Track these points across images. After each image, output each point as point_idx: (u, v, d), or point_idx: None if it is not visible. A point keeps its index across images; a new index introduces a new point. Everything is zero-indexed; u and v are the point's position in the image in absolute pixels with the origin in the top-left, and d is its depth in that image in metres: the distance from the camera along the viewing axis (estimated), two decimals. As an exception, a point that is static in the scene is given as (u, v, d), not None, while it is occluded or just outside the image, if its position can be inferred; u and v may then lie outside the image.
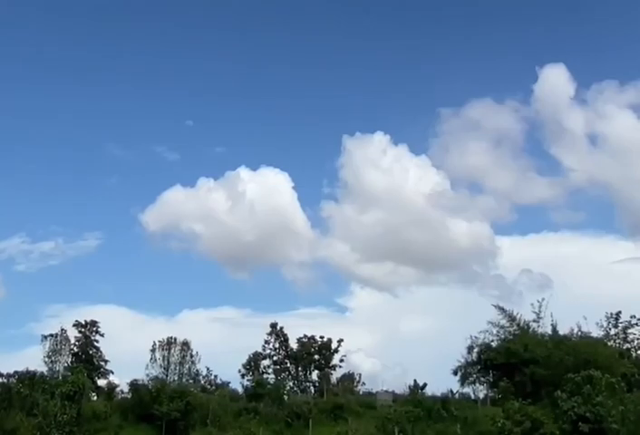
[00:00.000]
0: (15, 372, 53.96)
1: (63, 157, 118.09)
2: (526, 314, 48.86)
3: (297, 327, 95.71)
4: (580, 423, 35.19)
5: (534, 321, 48.45)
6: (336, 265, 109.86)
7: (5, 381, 53.36)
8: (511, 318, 49.32)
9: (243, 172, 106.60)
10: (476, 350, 48.94)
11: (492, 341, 48.60)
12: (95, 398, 54.00)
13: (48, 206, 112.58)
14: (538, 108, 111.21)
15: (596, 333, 47.35)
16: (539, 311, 48.31)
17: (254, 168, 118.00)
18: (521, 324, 48.96)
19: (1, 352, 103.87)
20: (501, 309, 49.71)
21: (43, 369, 57.58)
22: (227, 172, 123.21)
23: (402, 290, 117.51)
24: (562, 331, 47.07)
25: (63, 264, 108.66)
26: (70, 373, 51.72)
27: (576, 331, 46.74)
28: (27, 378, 52.68)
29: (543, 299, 48.54)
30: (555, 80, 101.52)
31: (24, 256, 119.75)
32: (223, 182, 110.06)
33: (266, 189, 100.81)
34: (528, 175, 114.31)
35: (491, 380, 48.34)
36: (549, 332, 47.54)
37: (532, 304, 48.49)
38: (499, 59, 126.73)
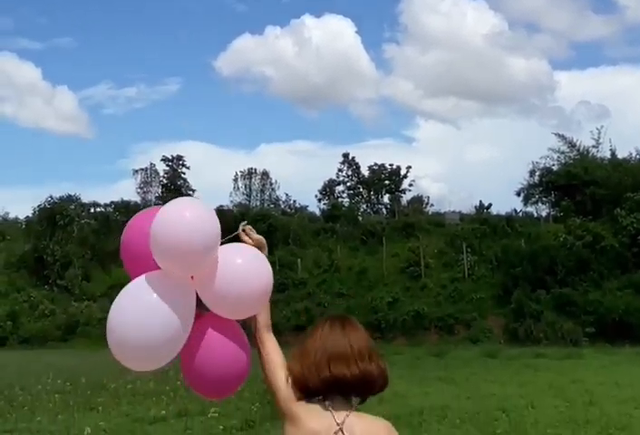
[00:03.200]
0: (112, 202, 55.18)
1: (137, 7, 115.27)
2: (585, 141, 47.06)
3: (368, 156, 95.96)
4: (639, 237, 35.26)
5: (593, 146, 46.43)
6: (401, 101, 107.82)
7: (103, 210, 54.61)
8: (571, 144, 47.51)
9: (307, 19, 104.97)
10: (538, 173, 47.58)
11: (553, 165, 47.00)
12: (186, 222, 55.01)
13: (128, 54, 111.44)
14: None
15: (654, 157, 45.34)
16: (598, 138, 46.20)
17: (318, 15, 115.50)
18: (581, 150, 47.12)
19: (97, 185, 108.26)
20: (561, 136, 47.87)
21: (136, 199, 58.61)
22: (292, 20, 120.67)
23: (464, 122, 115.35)
24: (621, 155, 45.22)
25: (147, 106, 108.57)
26: (161, 202, 52.56)
27: (634, 155, 44.67)
28: (122, 206, 53.78)
29: (602, 127, 46.57)
30: None
31: (111, 100, 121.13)
32: (289, 29, 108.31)
33: (331, 35, 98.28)
34: (584, 13, 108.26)
35: (553, 200, 47.46)
36: (608, 156, 45.69)
37: (591, 132, 46.49)
38: None
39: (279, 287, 37.90)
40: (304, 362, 2.63)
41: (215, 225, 2.62)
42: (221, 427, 13.08)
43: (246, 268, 2.68)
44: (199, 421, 13.84)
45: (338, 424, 2.53)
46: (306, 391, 2.62)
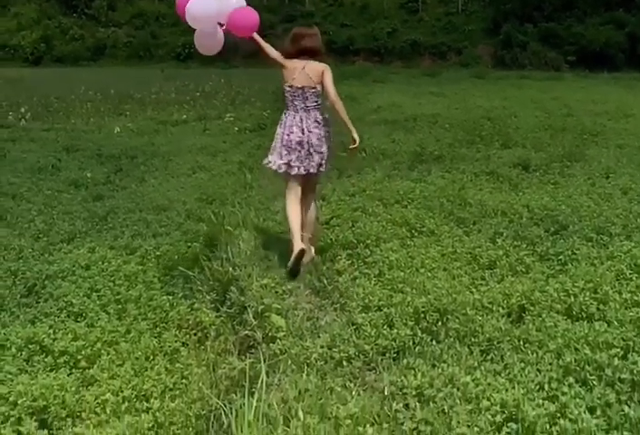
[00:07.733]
0: None
1: None
2: None
3: None
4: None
5: None
6: None
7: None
8: None
9: None
10: None
11: None
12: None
13: None
14: None
15: None
16: None
17: None
18: None
19: None
20: None
21: None
22: None
23: None
24: None
25: None
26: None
27: None
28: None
29: None
30: None
31: None
32: None
33: None
34: None
35: None
36: None
37: None
38: None
39: (288, 18, 36.32)
40: (289, 42, 4.85)
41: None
42: (236, 128, 12.78)
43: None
44: (217, 124, 13.53)
45: (303, 66, 4.78)
46: (289, 55, 4.83)
